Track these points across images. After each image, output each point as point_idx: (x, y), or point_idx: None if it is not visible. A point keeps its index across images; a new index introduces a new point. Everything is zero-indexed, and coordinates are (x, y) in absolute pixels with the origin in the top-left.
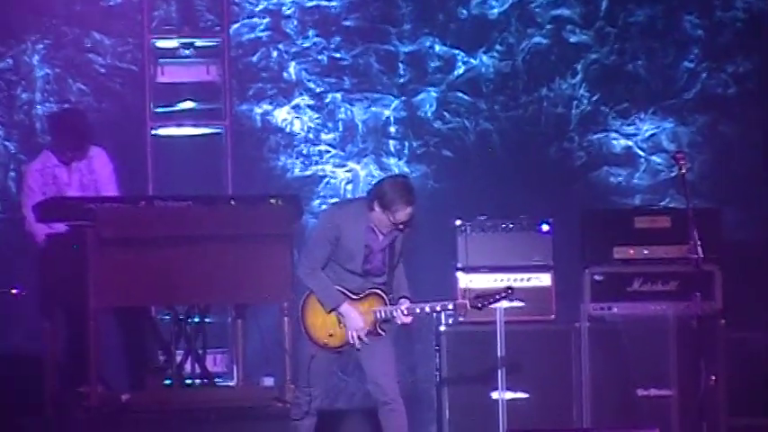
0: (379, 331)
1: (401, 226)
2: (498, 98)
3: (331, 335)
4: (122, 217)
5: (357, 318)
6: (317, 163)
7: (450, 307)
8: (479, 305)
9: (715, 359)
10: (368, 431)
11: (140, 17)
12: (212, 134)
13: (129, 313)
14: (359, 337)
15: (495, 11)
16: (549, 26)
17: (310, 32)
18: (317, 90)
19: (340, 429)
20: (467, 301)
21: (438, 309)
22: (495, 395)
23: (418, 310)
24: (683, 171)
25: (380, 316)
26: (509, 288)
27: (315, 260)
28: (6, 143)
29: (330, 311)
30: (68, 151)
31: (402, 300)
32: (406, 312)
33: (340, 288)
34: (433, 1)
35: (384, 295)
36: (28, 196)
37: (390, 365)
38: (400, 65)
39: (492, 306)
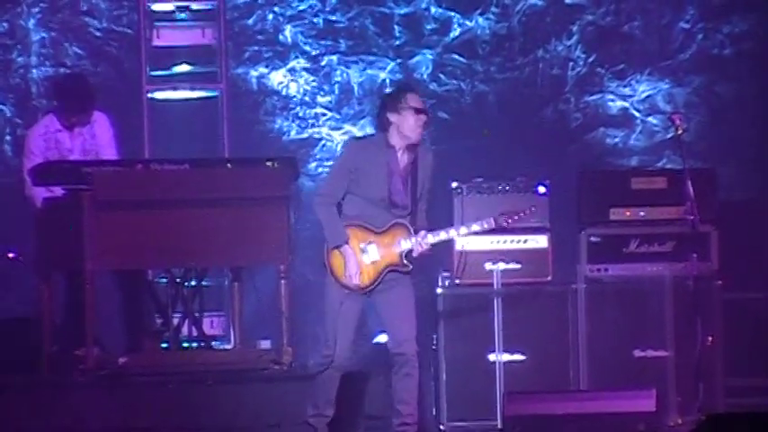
0: (404, 263)
1: (423, 117)
2: (494, 60)
3: (361, 273)
4: (119, 180)
5: (354, 264)
6: (313, 126)
7: (475, 226)
8: (505, 222)
9: (712, 320)
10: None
11: None
12: (208, 97)
13: (125, 276)
14: (359, 286)
15: None
16: None
17: None
18: (313, 53)
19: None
20: (492, 219)
21: (462, 231)
22: (492, 357)
23: (443, 235)
24: (680, 132)
25: (404, 246)
26: (533, 206)
27: (330, 189)
28: (2, 107)
29: (333, 248)
30: (72, 116)
31: (423, 232)
32: (427, 240)
33: (364, 224)
34: None
35: (408, 225)
36: (29, 160)
37: (412, 320)
38: (396, 27)
39: (518, 224)
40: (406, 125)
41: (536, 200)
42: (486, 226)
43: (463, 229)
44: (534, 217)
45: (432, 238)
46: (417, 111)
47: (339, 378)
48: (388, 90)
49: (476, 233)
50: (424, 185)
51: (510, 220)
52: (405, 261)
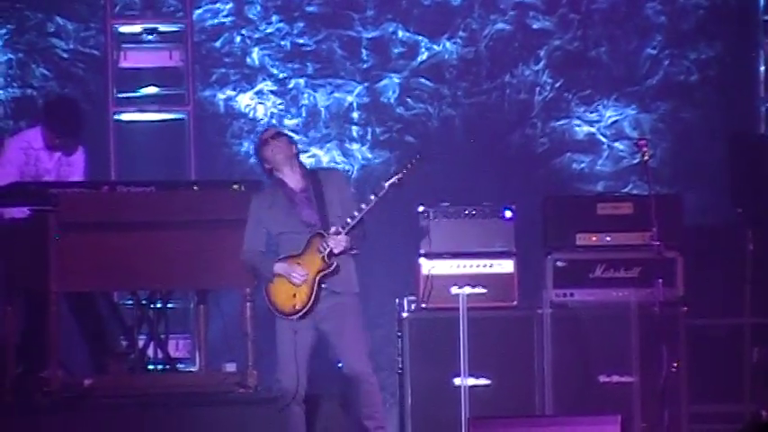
0: (328, 263)
1: (271, 145)
2: (461, 84)
3: (294, 295)
4: (84, 202)
5: (288, 266)
6: None
7: (372, 197)
8: (395, 181)
9: (677, 346)
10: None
11: (103, 2)
12: (175, 119)
13: (90, 298)
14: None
15: None
16: (512, 12)
17: (273, 18)
18: (281, 76)
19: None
20: (384, 184)
21: (363, 207)
22: (457, 381)
23: (349, 220)
24: (646, 158)
25: (323, 248)
26: (417, 157)
27: (249, 242)
28: None
29: (273, 278)
30: (57, 138)
31: (332, 228)
32: (337, 230)
33: (286, 255)
34: None
35: (322, 231)
36: (3, 168)
37: (360, 342)
38: (363, 51)
39: (404, 178)
40: (270, 156)
41: (502, 224)
42: (381, 193)
43: (363, 206)
44: (414, 170)
45: (342, 229)
46: (263, 142)
47: (303, 413)
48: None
49: (370, 203)
50: (341, 200)
51: (398, 179)
52: (328, 261)
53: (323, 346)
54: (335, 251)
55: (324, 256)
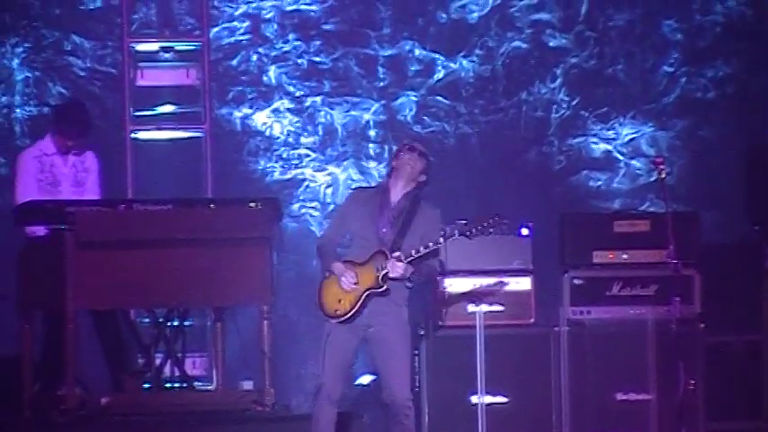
0: (380, 283)
1: (414, 153)
2: (478, 102)
3: (339, 300)
4: (102, 220)
5: (344, 270)
6: (296, 167)
7: (441, 240)
8: (468, 232)
9: (694, 363)
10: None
11: (120, 20)
12: (192, 138)
13: (108, 316)
14: (354, 285)
15: (475, 15)
16: (528, 30)
17: (290, 36)
18: (297, 94)
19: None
20: (456, 230)
21: (431, 245)
22: (474, 399)
23: (413, 252)
24: (663, 175)
25: (380, 268)
26: (497, 215)
27: (326, 230)
28: None
29: (328, 274)
30: (69, 140)
31: (396, 252)
32: (399, 258)
33: (349, 259)
34: (413, 5)
35: (386, 251)
36: (21, 178)
37: (405, 369)
38: (380, 69)
39: (480, 234)
40: (401, 163)
41: (519, 242)
42: (451, 237)
43: (431, 243)
44: (499, 225)
45: (404, 257)
46: (410, 148)
47: (335, 417)
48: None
49: (438, 244)
50: (423, 237)
51: (473, 231)
52: (380, 282)
53: (362, 354)
54: (391, 275)
55: (379, 276)
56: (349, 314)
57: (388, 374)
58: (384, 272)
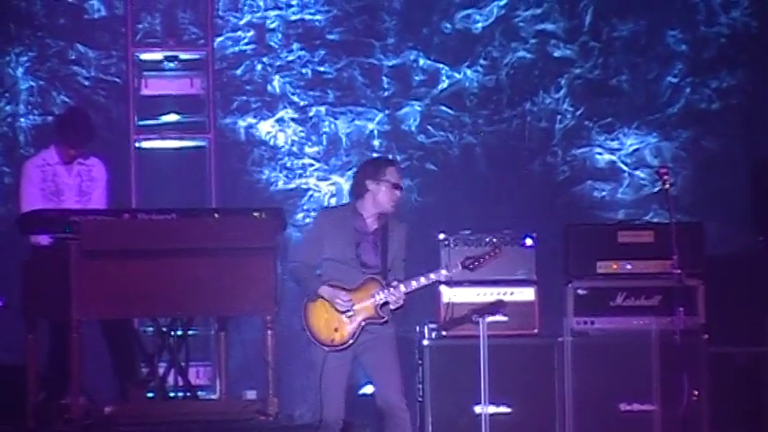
0: (380, 314)
1: (398, 192)
2: (482, 112)
3: (336, 329)
4: (106, 229)
5: (336, 292)
6: (300, 176)
7: (444, 272)
8: (471, 266)
9: (698, 374)
10: None
11: (124, 30)
12: (196, 147)
13: (112, 325)
14: (350, 308)
15: (480, 25)
16: (533, 40)
17: (294, 46)
18: (301, 103)
19: None
20: (458, 264)
21: (432, 277)
22: (478, 409)
23: (414, 283)
24: (667, 186)
25: (378, 299)
26: (496, 248)
27: (299, 254)
28: None
29: (313, 300)
30: (71, 148)
31: (394, 282)
32: (399, 289)
33: (337, 283)
34: (418, 15)
35: (380, 279)
36: (25, 188)
37: (395, 375)
38: (384, 78)
39: (481, 267)
40: (381, 196)
41: (523, 252)
42: (454, 271)
43: (432, 276)
44: (497, 258)
45: (404, 288)
46: (395, 186)
47: None
48: (370, 159)
49: (440, 281)
50: (396, 254)
51: (475, 264)
52: (380, 313)
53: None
54: (392, 307)
55: (378, 306)
56: (348, 344)
57: (379, 378)
58: (383, 302)
